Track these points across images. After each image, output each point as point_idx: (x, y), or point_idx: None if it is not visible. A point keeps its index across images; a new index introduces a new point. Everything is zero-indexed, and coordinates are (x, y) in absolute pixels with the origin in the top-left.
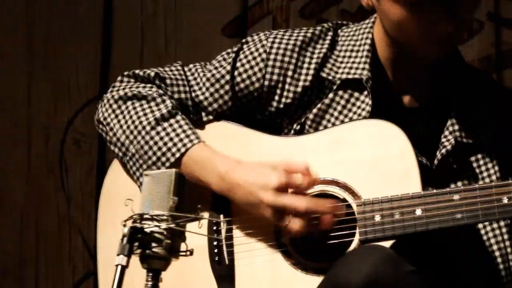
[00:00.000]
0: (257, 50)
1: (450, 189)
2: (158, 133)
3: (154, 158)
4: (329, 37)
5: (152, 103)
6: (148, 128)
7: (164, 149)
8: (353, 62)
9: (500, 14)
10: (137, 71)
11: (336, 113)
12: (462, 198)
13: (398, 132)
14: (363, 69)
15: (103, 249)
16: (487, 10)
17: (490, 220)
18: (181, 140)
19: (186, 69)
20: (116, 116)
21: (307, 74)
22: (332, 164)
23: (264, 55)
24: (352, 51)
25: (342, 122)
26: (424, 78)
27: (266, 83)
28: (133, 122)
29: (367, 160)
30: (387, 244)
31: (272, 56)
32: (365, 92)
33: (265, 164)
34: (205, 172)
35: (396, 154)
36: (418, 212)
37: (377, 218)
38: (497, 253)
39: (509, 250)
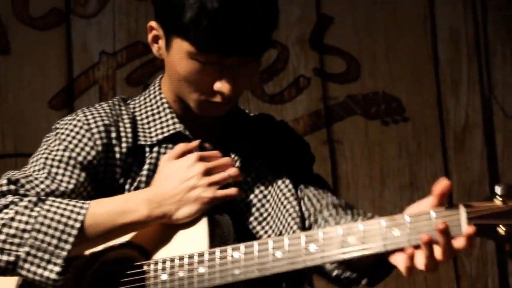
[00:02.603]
0: (75, 126)
1: (232, 246)
2: (45, 217)
3: (54, 241)
4: (124, 109)
5: (12, 206)
6: (31, 220)
7: (60, 226)
8: (161, 122)
9: (325, 70)
10: None
11: None
12: (241, 255)
13: None
14: (174, 123)
15: None
16: (313, 66)
17: (264, 275)
18: (71, 210)
19: (29, 167)
20: None
21: (126, 136)
22: None
23: (86, 126)
24: (153, 115)
25: None
26: (210, 127)
27: (100, 148)
28: (9, 229)
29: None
30: None
31: (93, 125)
32: (186, 143)
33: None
34: (122, 213)
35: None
36: (201, 269)
37: (164, 277)
38: None
39: None
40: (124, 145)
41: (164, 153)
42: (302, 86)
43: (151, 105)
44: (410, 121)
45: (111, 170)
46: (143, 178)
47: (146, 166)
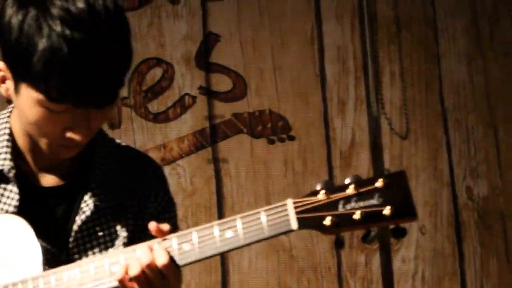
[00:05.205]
0: None
1: (66, 266)
2: None
3: None
4: None
5: None
6: None
7: None
8: None
9: (211, 88)
10: None
11: None
12: (81, 272)
13: (21, 223)
14: (5, 159)
15: None
16: (198, 84)
17: None
18: None
19: None
20: None
21: None
22: None
23: None
24: None
25: None
26: (63, 160)
27: None
28: None
29: None
30: None
31: None
32: (11, 183)
33: None
34: None
35: (20, 244)
36: None
37: None
38: None
39: None
40: None
41: None
42: (188, 105)
43: None
44: (296, 140)
45: None
46: None
47: None
